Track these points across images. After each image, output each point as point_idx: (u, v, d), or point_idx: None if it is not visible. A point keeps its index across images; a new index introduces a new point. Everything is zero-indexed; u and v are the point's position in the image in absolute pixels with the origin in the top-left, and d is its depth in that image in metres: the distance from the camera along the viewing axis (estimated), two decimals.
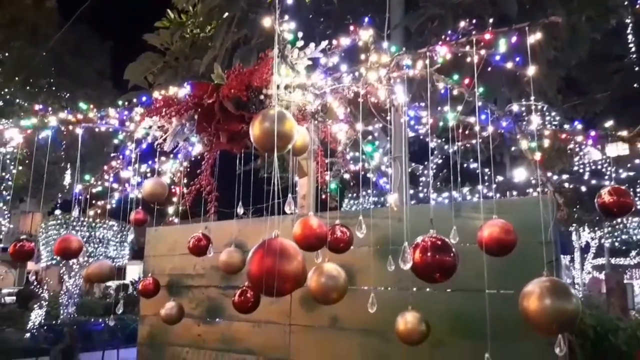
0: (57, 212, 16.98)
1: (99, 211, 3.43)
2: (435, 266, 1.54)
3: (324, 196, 2.62)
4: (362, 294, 2.59)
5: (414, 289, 2.36)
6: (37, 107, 2.97)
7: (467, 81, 2.23)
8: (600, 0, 5.12)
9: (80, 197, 3.02)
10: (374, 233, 2.55)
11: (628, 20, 9.21)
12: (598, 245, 13.80)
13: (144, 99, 2.81)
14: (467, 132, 2.39)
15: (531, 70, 2.24)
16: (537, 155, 2.21)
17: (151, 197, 2.85)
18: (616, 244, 11.37)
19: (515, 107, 2.34)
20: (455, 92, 2.24)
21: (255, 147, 1.60)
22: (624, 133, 2.22)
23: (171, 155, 3.50)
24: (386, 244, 2.48)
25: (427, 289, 2.38)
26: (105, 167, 3.10)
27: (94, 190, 3.20)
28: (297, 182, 2.99)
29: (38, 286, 22.72)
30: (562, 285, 1.44)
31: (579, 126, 2.62)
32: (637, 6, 7.26)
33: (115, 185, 3.19)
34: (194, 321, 3.27)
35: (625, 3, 6.54)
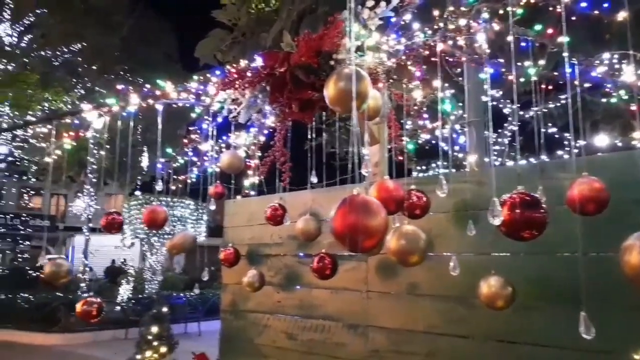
0: (138, 192, 18.06)
1: (180, 185, 3.60)
2: (525, 223, 1.47)
3: (400, 157, 2.58)
4: (440, 260, 2.55)
5: (496, 254, 2.29)
6: (118, 86, 3.14)
7: (550, 31, 2.08)
8: None
9: (163, 172, 3.19)
10: (452, 198, 2.49)
11: None
12: None
13: (217, 72, 2.88)
14: (549, 88, 2.24)
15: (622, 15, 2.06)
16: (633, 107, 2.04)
17: (229, 169, 2.94)
18: None
19: (606, 56, 2.16)
20: (536, 45, 2.10)
21: (331, 107, 1.59)
22: None
23: (245, 129, 3.59)
24: (464, 209, 2.41)
25: (509, 254, 2.29)
26: (185, 141, 3.23)
27: (175, 165, 3.35)
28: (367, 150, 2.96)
29: (124, 263, 24.39)
30: None
31: None
32: None
33: (194, 159, 3.32)
34: (273, 289, 3.37)
35: None
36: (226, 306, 3.68)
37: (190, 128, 3.27)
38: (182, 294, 17.72)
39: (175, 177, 3.77)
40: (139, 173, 18.09)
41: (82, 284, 18.26)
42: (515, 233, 1.49)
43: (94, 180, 17.12)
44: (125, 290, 17.46)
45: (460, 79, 2.33)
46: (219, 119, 3.06)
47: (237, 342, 3.53)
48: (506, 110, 6.69)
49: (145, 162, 17.62)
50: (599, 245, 2.04)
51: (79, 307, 2.74)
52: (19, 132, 18.60)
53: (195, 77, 2.93)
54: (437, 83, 2.25)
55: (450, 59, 2.30)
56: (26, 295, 16.43)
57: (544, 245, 2.17)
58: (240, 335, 3.53)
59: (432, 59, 2.19)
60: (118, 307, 16.63)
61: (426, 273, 2.60)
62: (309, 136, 3.01)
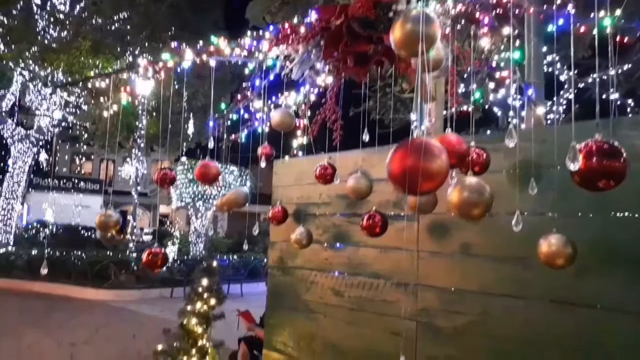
0: (183, 159, 18.49)
1: (230, 144, 3.64)
2: (603, 172, 1.40)
3: (465, 107, 2.50)
4: (497, 220, 2.49)
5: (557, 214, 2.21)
6: (172, 44, 3.17)
7: None
8: None
9: (213, 131, 3.23)
10: (512, 157, 2.41)
11: None
12: None
13: (271, 28, 2.85)
14: (625, 41, 2.10)
15: None
16: None
17: (280, 127, 2.93)
18: None
19: None
20: None
21: (397, 52, 1.54)
22: None
23: (296, 89, 3.57)
24: (527, 167, 2.33)
25: (570, 215, 2.21)
26: (239, 96, 3.25)
27: (227, 123, 3.38)
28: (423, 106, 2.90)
29: (170, 226, 25.25)
30: None
31: None
32: None
33: (246, 116, 3.34)
34: (320, 247, 3.40)
35: None
36: (274, 263, 3.75)
37: (243, 85, 3.28)
38: (225, 257, 18.26)
39: (225, 136, 3.82)
40: (184, 140, 18.46)
41: (131, 244, 19.05)
42: (590, 182, 1.42)
43: (142, 145, 17.64)
44: (171, 252, 18.17)
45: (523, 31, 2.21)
46: (271, 77, 3.05)
47: (285, 298, 3.60)
48: (563, 77, 6.39)
49: (191, 129, 17.94)
50: None
51: (144, 257, 2.85)
52: (72, 98, 19.25)
53: (248, 33, 2.92)
54: (506, 31, 2.15)
55: (517, 10, 2.18)
56: (79, 253, 17.35)
57: (608, 206, 2.09)
58: (287, 290, 3.60)
59: (499, 8, 2.09)
60: (164, 268, 17.36)
61: (480, 233, 2.55)
62: (361, 94, 2.96)
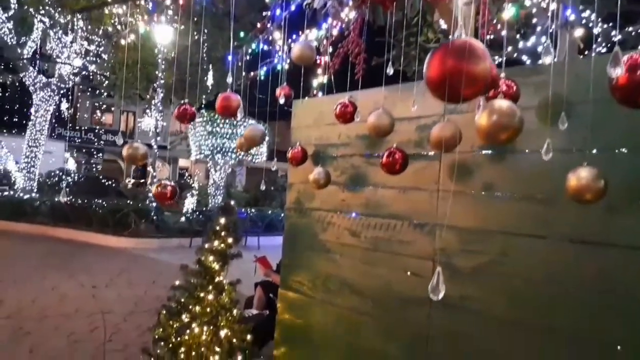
0: (203, 111, 18.45)
1: (249, 79, 3.57)
2: None
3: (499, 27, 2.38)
4: (522, 158, 2.40)
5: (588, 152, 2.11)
6: None
7: None
8: None
9: (236, 60, 3.15)
10: (542, 92, 2.30)
11: None
12: None
13: None
14: None
15: None
16: None
17: (300, 60, 2.84)
18: None
19: None
20: None
21: None
22: None
23: (317, 26, 3.44)
24: (558, 102, 2.21)
25: (600, 152, 2.11)
26: (259, 25, 3.15)
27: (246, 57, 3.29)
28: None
29: (189, 178, 25.53)
30: None
31: None
32: None
33: (266, 48, 3.25)
34: (338, 188, 3.36)
35: None
36: (291, 204, 3.74)
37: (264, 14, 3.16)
38: (243, 209, 18.49)
39: (244, 73, 3.74)
40: (204, 92, 18.39)
41: (150, 194, 19.35)
42: (632, 98, 1.32)
43: (161, 94, 17.59)
44: (190, 203, 18.45)
45: None
46: (292, 7, 2.94)
47: (301, 237, 3.60)
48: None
49: (210, 80, 17.81)
50: None
51: (154, 189, 2.83)
52: (92, 47, 19.16)
53: None
54: None
55: None
56: (100, 201, 17.73)
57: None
58: (304, 231, 3.60)
59: None
60: (183, 218, 17.67)
61: (504, 172, 2.47)
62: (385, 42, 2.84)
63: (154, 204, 17.38)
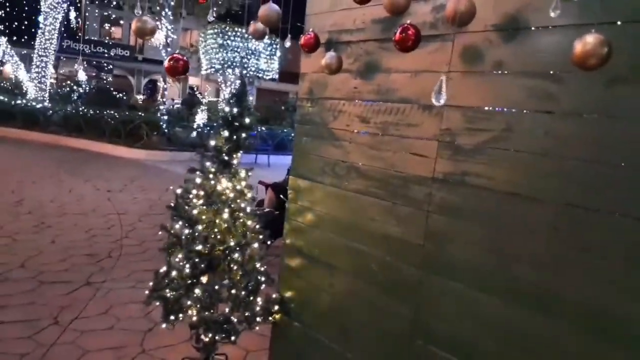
0: (214, 23, 17.98)
1: None
2: None
3: None
4: (531, 36, 2.43)
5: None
6: None
7: None
8: None
9: None
10: None
11: None
12: None
13: None
14: None
15: None
16: None
17: None
18: None
19: None
20: None
21: None
22: None
23: None
24: None
25: (617, 25, 2.13)
26: None
27: None
28: None
29: (200, 94, 25.44)
30: None
31: None
32: None
33: None
34: (350, 75, 3.41)
35: None
36: (303, 94, 3.81)
37: None
38: (254, 127, 18.61)
39: None
40: (215, 3, 17.87)
41: (162, 107, 19.40)
42: None
43: (172, 3, 17.14)
44: (200, 118, 18.54)
45: None
46: None
47: (312, 126, 3.71)
48: None
49: None
50: None
51: (166, 63, 2.89)
52: None
53: None
54: None
55: None
56: (112, 112, 17.87)
57: None
58: (314, 119, 3.70)
59: None
60: (194, 133, 17.85)
61: (514, 50, 2.50)
62: None
63: (166, 117, 17.50)
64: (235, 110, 3.81)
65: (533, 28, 2.42)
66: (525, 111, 2.44)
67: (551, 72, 2.33)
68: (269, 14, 3.11)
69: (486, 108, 2.60)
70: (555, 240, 2.27)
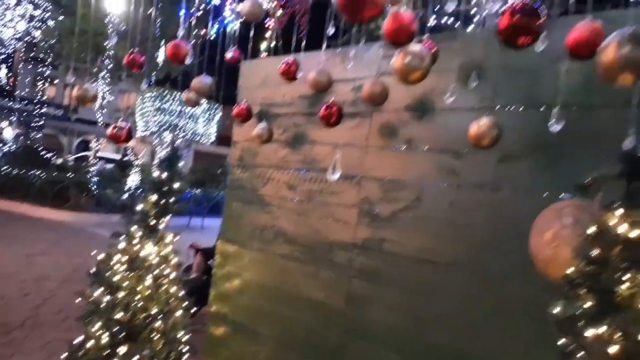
0: (153, 87, 18.08)
1: (200, 39, 3.71)
2: (522, 28, 1.59)
3: None
4: (438, 116, 2.72)
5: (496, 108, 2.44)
6: None
7: None
8: None
9: (188, 19, 3.27)
10: (458, 59, 2.61)
11: None
12: None
13: None
14: None
15: None
16: None
17: (250, 16, 3.02)
18: None
19: None
20: None
21: None
22: None
23: None
24: (470, 68, 2.53)
25: (504, 109, 2.44)
26: None
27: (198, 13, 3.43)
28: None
29: (134, 156, 24.91)
30: None
31: None
32: None
33: (216, 1, 3.40)
34: (279, 145, 3.58)
35: None
36: (234, 160, 3.93)
37: None
38: (188, 189, 18.35)
39: (196, 31, 3.87)
40: (154, 69, 18.04)
41: (93, 168, 18.81)
42: (512, 38, 1.61)
43: (110, 67, 17.11)
44: (132, 181, 18.10)
45: None
46: None
47: (242, 192, 3.81)
48: None
49: (161, 57, 17.50)
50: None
51: (109, 130, 2.94)
52: (37, 12, 18.37)
53: None
54: None
55: None
56: (38, 173, 17.09)
57: (537, 101, 2.33)
58: (245, 185, 3.80)
59: None
60: (125, 195, 17.33)
61: (424, 128, 2.78)
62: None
63: (96, 179, 16.93)
64: (165, 174, 3.84)
65: (438, 109, 2.71)
66: (432, 183, 2.68)
67: (454, 149, 2.60)
68: (202, 85, 3.26)
69: (399, 179, 2.82)
70: (466, 304, 2.44)
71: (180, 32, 3.34)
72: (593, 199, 1.75)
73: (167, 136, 17.69)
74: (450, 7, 2.14)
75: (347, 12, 1.45)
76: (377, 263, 2.86)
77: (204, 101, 16.44)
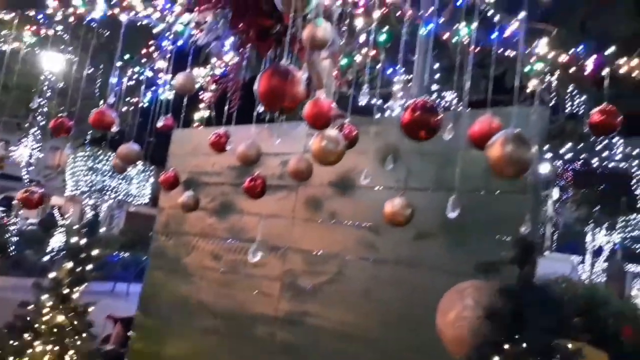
0: (87, 148, 17.54)
1: (132, 107, 3.72)
2: (421, 123, 1.75)
3: (338, 84, 2.82)
4: (360, 194, 2.84)
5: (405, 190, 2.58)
6: None
7: None
8: None
9: (119, 87, 3.30)
10: (377, 142, 2.78)
11: None
12: (612, 250, 13.55)
13: None
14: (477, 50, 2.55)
15: None
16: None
17: (182, 90, 3.09)
18: (627, 240, 11.43)
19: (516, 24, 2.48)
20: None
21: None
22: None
23: (203, 63, 3.76)
24: (387, 148, 2.69)
25: (417, 190, 2.60)
26: (143, 51, 3.36)
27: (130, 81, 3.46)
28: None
29: (60, 216, 23.57)
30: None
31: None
32: None
33: (149, 74, 3.45)
34: (206, 214, 3.57)
35: None
36: (160, 227, 3.85)
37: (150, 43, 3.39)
38: (115, 253, 17.44)
39: (127, 99, 3.88)
40: (90, 127, 17.58)
41: (12, 228, 17.56)
42: (413, 131, 1.76)
43: (42, 123, 16.50)
44: (56, 242, 17.01)
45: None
46: (180, 42, 3.22)
47: (165, 260, 3.70)
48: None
49: None
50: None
51: (19, 194, 2.83)
52: None
53: None
54: (375, 15, 2.53)
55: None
56: None
57: (447, 184, 2.50)
58: (169, 253, 3.71)
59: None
60: (47, 257, 16.20)
61: (346, 203, 2.88)
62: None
63: (16, 238, 15.81)
64: (84, 240, 3.68)
65: (359, 187, 2.83)
66: (353, 257, 2.75)
67: (373, 225, 2.70)
68: (128, 152, 3.23)
69: (322, 252, 2.87)
70: None
71: (111, 100, 3.36)
72: (492, 279, 1.87)
73: (98, 197, 17.01)
74: (364, 98, 2.31)
75: (267, 102, 1.55)
76: (298, 337, 2.83)
77: (138, 164, 16.09)
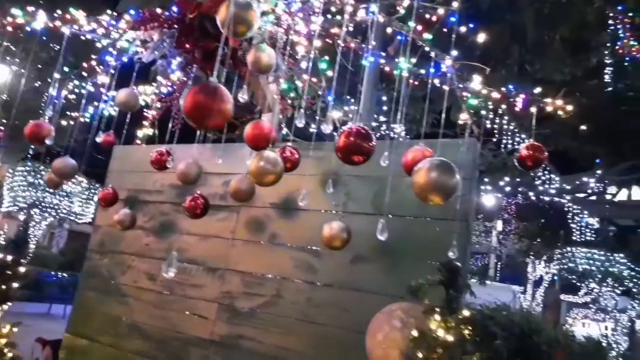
0: (28, 162, 16.77)
1: (72, 122, 3.60)
2: (355, 149, 1.80)
3: (282, 108, 2.86)
4: (300, 216, 2.86)
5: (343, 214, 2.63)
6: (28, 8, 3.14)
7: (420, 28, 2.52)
8: None
9: (57, 101, 3.19)
10: (319, 165, 2.83)
11: None
12: (550, 281, 14.18)
13: (132, 12, 3.01)
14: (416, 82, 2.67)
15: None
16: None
17: (124, 107, 3.04)
18: (563, 271, 12.01)
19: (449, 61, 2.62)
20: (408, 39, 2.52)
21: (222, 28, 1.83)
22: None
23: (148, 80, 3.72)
24: (327, 173, 2.74)
25: (360, 215, 2.65)
26: (85, 65, 3.28)
27: (70, 97, 3.36)
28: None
29: None
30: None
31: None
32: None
33: (91, 88, 3.36)
34: (144, 232, 3.48)
35: None
36: (94, 246, 3.71)
37: (93, 57, 3.32)
38: (52, 273, 16.61)
39: (68, 113, 3.76)
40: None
41: None
42: (347, 156, 1.81)
43: None
44: None
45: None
46: (124, 59, 3.17)
47: (98, 280, 3.57)
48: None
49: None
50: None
51: None
52: None
53: (109, 12, 3.05)
54: (316, 42, 2.61)
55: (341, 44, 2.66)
56: None
57: (383, 208, 2.56)
58: (102, 273, 3.57)
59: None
60: None
61: (286, 226, 2.89)
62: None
63: None
64: (10, 257, 3.50)
65: (300, 210, 2.86)
66: (291, 279, 2.75)
67: (312, 247, 2.72)
68: (64, 166, 3.13)
69: (261, 274, 2.85)
70: None
71: (49, 113, 3.25)
72: (420, 302, 1.92)
73: (37, 214, 16.20)
74: (300, 122, 2.36)
75: (193, 119, 1.54)
76: None
77: (84, 180, 15.49)
